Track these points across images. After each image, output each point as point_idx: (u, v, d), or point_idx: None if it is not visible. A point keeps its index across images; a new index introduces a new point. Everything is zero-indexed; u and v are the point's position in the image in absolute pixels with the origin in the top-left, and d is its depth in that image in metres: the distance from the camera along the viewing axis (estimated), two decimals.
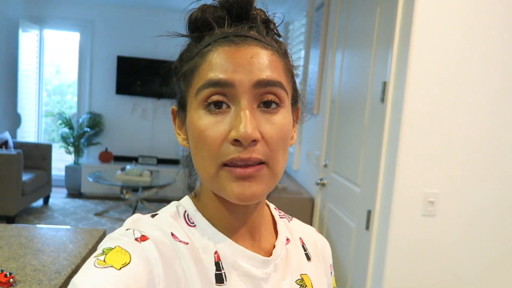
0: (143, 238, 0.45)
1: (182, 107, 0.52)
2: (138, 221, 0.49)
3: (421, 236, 1.70)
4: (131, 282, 0.40)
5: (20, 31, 4.77)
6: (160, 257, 0.44)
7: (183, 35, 0.53)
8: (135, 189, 4.44)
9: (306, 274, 0.58)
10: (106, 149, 5.43)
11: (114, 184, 4.16)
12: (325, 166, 2.60)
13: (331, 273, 0.66)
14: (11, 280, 1.03)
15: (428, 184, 1.68)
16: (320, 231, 2.65)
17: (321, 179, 2.62)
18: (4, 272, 1.03)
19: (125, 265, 0.41)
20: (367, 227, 1.90)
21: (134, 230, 0.46)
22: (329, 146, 2.57)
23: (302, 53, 3.33)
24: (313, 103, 2.90)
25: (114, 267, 0.40)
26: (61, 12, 5.31)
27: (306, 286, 0.57)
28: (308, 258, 0.61)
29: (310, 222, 2.81)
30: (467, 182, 1.69)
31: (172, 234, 0.49)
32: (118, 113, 5.50)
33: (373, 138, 1.90)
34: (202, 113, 0.47)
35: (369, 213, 1.89)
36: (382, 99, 1.81)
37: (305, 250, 0.62)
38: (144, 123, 5.54)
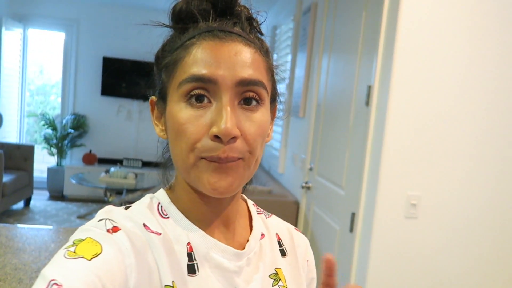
0: (115, 229, 0.45)
1: (162, 98, 0.52)
2: (111, 212, 0.49)
3: (404, 238, 1.73)
4: (102, 273, 0.39)
5: (3, 29, 4.68)
6: (132, 248, 0.44)
7: (166, 26, 0.53)
8: (119, 192, 4.39)
9: (280, 268, 0.59)
10: (90, 151, 5.36)
11: (97, 186, 4.10)
12: (310, 169, 2.62)
13: (314, 274, 0.66)
14: None
15: (410, 187, 1.70)
16: (305, 233, 2.66)
17: (306, 182, 2.64)
18: None
19: (96, 255, 0.41)
20: (351, 230, 1.92)
21: (106, 221, 0.46)
22: (314, 149, 2.59)
23: (289, 57, 3.35)
24: (298, 107, 2.92)
25: (84, 258, 0.40)
26: (46, 11, 5.24)
27: (279, 279, 0.58)
28: (284, 253, 0.61)
29: (295, 225, 2.81)
30: (449, 185, 1.72)
31: (145, 225, 0.49)
32: (102, 115, 5.44)
33: (357, 141, 1.93)
34: (183, 105, 0.47)
35: (353, 215, 1.91)
36: (367, 103, 1.84)
37: (280, 246, 0.62)
38: (129, 125, 5.48)
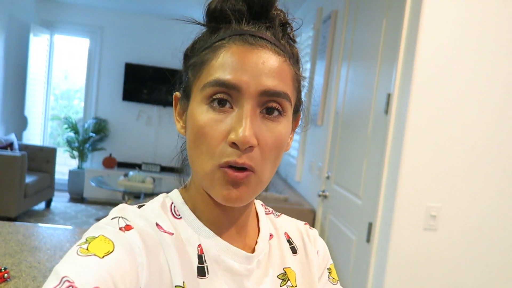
0: (128, 227, 0.45)
1: (186, 96, 0.52)
2: (124, 211, 0.49)
3: (422, 250, 1.68)
4: (114, 271, 0.40)
5: (31, 35, 4.85)
6: (144, 247, 0.44)
7: (199, 23, 0.52)
8: (137, 196, 4.44)
9: (289, 267, 0.58)
10: (110, 154, 5.45)
11: (116, 189, 4.16)
12: (328, 177, 2.59)
13: (329, 263, 0.65)
14: (5, 275, 1.02)
15: (430, 198, 1.66)
16: None
17: (323, 191, 2.60)
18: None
19: (108, 253, 0.41)
20: (368, 240, 1.88)
21: (119, 219, 0.46)
22: (332, 157, 2.56)
23: (308, 65, 3.34)
24: (317, 115, 2.90)
25: (97, 255, 0.40)
26: (72, 18, 5.40)
27: (288, 279, 0.57)
28: (295, 251, 0.61)
29: None
30: (470, 197, 1.67)
31: (157, 224, 0.49)
32: (123, 120, 5.53)
33: (375, 150, 1.90)
34: (205, 108, 0.47)
35: (370, 225, 1.87)
36: (386, 111, 1.81)
37: (290, 244, 0.61)
38: (148, 130, 5.56)
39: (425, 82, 1.61)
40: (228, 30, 0.49)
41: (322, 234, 2.64)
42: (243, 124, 0.45)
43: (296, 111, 0.55)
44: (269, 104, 0.47)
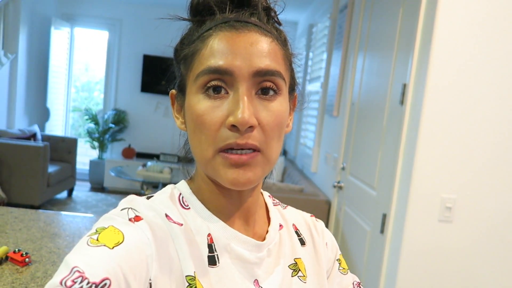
0: (137, 218, 0.46)
1: (181, 91, 0.53)
2: (133, 202, 0.49)
3: (436, 242, 1.66)
4: (123, 262, 0.40)
5: (52, 29, 4.95)
6: (153, 237, 0.45)
7: (184, 19, 0.54)
8: (155, 186, 4.52)
9: (300, 258, 0.58)
10: (129, 145, 5.55)
11: (135, 179, 4.24)
12: (343, 168, 2.58)
13: (338, 254, 0.66)
14: (26, 259, 1.07)
15: (445, 189, 1.64)
16: (335, 233, 2.63)
17: (338, 182, 2.60)
18: (21, 252, 1.08)
19: (118, 244, 0.41)
20: (382, 231, 1.87)
21: (128, 210, 0.47)
22: (347, 148, 2.55)
23: (325, 55, 3.31)
24: (333, 105, 2.89)
25: (107, 246, 0.40)
26: (91, 11, 5.48)
27: (299, 270, 0.57)
28: (303, 242, 0.61)
29: (326, 224, 2.78)
30: (487, 188, 1.64)
31: (166, 215, 0.49)
32: (142, 111, 5.62)
33: (391, 141, 1.88)
34: (201, 97, 0.47)
35: (384, 216, 1.86)
36: (402, 101, 1.78)
37: (298, 236, 0.62)
38: (166, 121, 5.63)
39: (441, 72, 1.58)
40: (214, 20, 0.50)
41: (337, 225, 2.64)
42: (240, 105, 0.45)
43: (292, 91, 0.55)
44: (264, 84, 0.47)
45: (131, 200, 0.50)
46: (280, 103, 0.49)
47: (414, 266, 1.68)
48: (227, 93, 0.47)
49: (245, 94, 0.46)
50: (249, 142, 0.46)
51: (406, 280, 1.68)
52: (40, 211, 1.49)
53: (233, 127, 0.45)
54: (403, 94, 1.78)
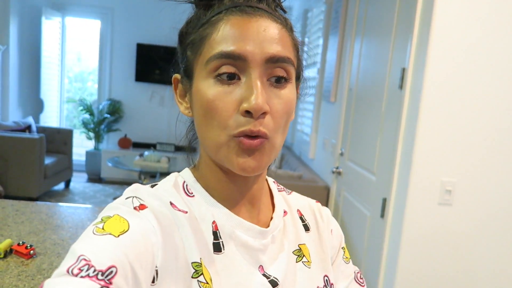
0: (142, 206, 0.46)
1: (187, 75, 0.52)
2: (137, 190, 0.49)
3: (436, 225, 1.68)
4: (129, 250, 0.40)
5: (43, 18, 4.86)
6: (158, 226, 0.45)
7: (191, 2, 0.52)
8: (152, 175, 4.51)
9: (304, 244, 0.59)
10: (125, 135, 5.53)
11: (132, 169, 4.23)
12: (341, 154, 2.58)
13: (342, 242, 0.66)
14: (31, 252, 1.07)
15: (445, 173, 1.65)
16: (335, 219, 2.65)
17: (337, 168, 2.61)
18: (25, 244, 1.08)
19: (123, 232, 0.41)
20: (382, 215, 1.89)
21: (133, 198, 0.47)
22: (345, 134, 2.55)
23: (321, 40, 3.29)
24: (330, 91, 2.88)
25: (112, 234, 0.40)
26: (82, 0, 5.38)
27: (303, 255, 0.58)
28: (307, 228, 0.61)
29: None
30: (486, 171, 1.65)
31: (171, 203, 0.49)
32: (137, 100, 5.58)
33: (390, 126, 1.88)
34: (212, 82, 0.47)
35: (384, 201, 1.87)
36: (401, 86, 1.78)
37: (303, 221, 0.62)
38: (162, 110, 5.60)
39: (440, 55, 1.58)
40: (223, 4, 0.49)
41: (336, 211, 2.66)
42: (254, 91, 0.45)
43: (297, 79, 0.55)
44: (276, 72, 0.47)
45: (135, 189, 0.50)
46: (290, 91, 0.49)
47: (415, 250, 1.70)
48: (239, 78, 0.46)
49: (258, 79, 0.46)
50: (261, 129, 0.46)
51: (407, 263, 1.70)
52: (41, 203, 1.48)
53: (247, 113, 0.45)
54: (402, 78, 1.77)
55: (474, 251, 1.70)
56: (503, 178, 1.66)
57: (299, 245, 0.58)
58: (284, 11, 0.54)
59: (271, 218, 0.57)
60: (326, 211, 0.66)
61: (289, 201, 0.63)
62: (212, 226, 0.50)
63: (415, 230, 1.68)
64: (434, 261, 1.71)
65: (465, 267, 1.71)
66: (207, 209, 0.51)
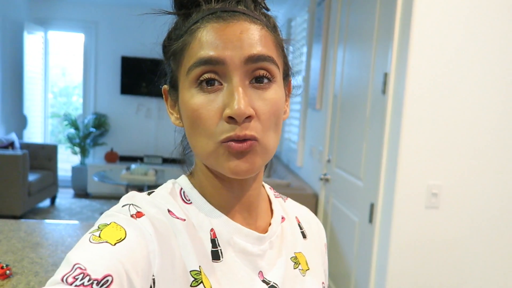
0: (139, 214, 0.45)
1: (173, 87, 0.52)
2: (134, 198, 0.48)
3: (424, 228, 1.68)
4: (125, 258, 0.39)
5: (25, 33, 4.81)
6: (155, 233, 0.44)
7: (169, 13, 0.52)
8: (140, 189, 4.46)
9: (300, 252, 0.59)
10: (112, 149, 5.46)
11: (119, 183, 4.17)
12: (328, 161, 2.58)
13: (325, 253, 0.67)
14: (7, 272, 1.03)
15: (431, 176, 1.65)
16: (324, 226, 2.63)
17: (324, 174, 2.60)
18: (1, 264, 1.03)
19: (120, 241, 0.41)
20: (370, 221, 1.88)
21: (130, 206, 0.46)
22: (332, 141, 2.55)
23: (305, 49, 3.31)
24: (315, 99, 2.88)
25: (109, 242, 0.40)
26: (66, 13, 5.35)
27: (300, 263, 0.58)
28: (304, 236, 0.62)
29: None
30: (471, 174, 1.66)
31: (169, 211, 0.49)
32: (123, 113, 5.52)
33: (375, 131, 1.88)
34: (195, 91, 0.46)
35: (372, 206, 1.87)
36: (384, 91, 1.79)
37: (301, 229, 0.62)
38: (149, 123, 5.55)
39: (421, 60, 1.59)
40: (200, 12, 0.49)
41: (325, 218, 2.65)
42: (236, 96, 0.44)
43: (286, 77, 0.55)
44: (257, 72, 0.46)
45: (132, 196, 0.49)
46: (275, 91, 0.48)
47: (404, 253, 1.69)
48: (221, 84, 0.46)
49: (239, 84, 0.45)
50: (247, 133, 0.45)
51: (396, 267, 1.69)
52: (21, 220, 1.44)
53: (231, 119, 0.44)
54: (385, 83, 1.78)
55: (462, 253, 1.70)
56: (488, 179, 1.67)
57: (295, 253, 0.58)
58: (267, 9, 0.53)
59: (269, 224, 0.56)
60: (321, 224, 0.67)
61: (286, 208, 0.63)
62: (210, 233, 0.50)
63: (403, 233, 1.68)
64: (424, 264, 1.70)
65: (454, 269, 1.70)
66: (205, 216, 0.51)
